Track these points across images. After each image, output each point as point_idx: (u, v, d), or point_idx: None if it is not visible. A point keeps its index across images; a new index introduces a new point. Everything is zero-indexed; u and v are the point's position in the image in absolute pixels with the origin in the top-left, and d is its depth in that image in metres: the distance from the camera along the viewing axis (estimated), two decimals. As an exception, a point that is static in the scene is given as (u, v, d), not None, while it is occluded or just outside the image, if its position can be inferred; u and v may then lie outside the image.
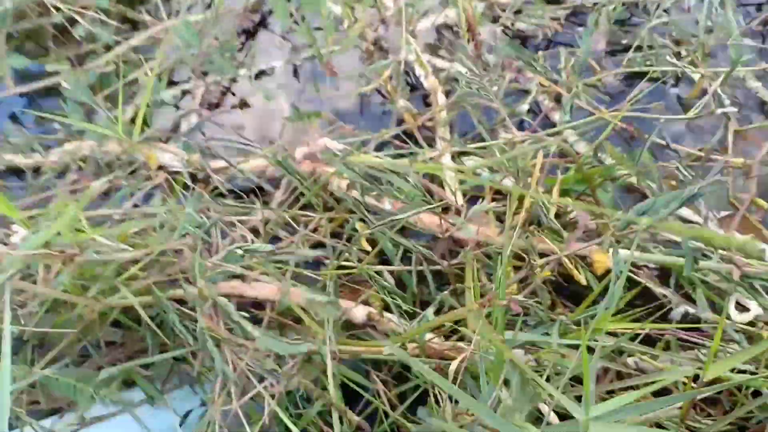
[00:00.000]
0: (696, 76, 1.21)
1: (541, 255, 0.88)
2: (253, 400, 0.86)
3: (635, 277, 0.94)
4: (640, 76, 1.26)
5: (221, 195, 1.13)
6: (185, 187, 1.11)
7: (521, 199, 0.88)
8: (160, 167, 1.13)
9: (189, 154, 1.14)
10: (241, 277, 0.98)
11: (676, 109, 1.17)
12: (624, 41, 1.33)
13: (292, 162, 1.03)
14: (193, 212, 0.94)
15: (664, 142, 1.07)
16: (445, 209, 1.00)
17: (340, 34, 1.40)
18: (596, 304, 0.77)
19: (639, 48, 1.27)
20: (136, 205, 1.06)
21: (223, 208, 1.03)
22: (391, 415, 0.89)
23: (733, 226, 0.89)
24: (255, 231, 1.06)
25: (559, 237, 0.88)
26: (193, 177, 1.14)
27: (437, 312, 0.88)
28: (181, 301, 0.96)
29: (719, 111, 1.01)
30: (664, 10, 1.32)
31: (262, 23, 1.54)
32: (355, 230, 0.94)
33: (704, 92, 1.19)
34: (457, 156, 1.11)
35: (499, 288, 0.68)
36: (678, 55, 1.24)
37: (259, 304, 1.00)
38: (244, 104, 1.41)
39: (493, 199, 1.00)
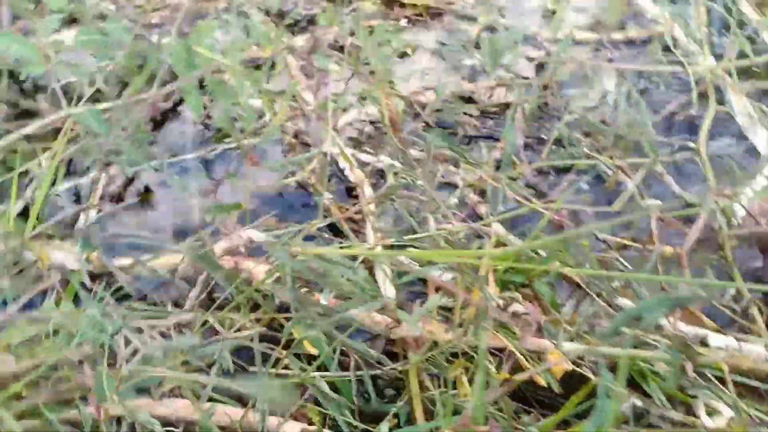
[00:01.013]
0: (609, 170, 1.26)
1: (492, 353, 0.82)
2: None
3: (581, 371, 0.89)
4: (554, 169, 1.30)
5: (126, 296, 0.99)
6: (83, 287, 0.97)
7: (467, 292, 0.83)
8: (54, 267, 0.99)
9: (88, 252, 1.01)
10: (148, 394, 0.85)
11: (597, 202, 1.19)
12: (539, 135, 1.38)
13: (211, 257, 0.93)
14: (96, 315, 0.81)
15: (594, 234, 1.08)
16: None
17: (259, 124, 1.35)
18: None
19: (557, 141, 1.31)
20: (23, 309, 0.90)
21: (130, 312, 0.90)
22: None
23: (676, 316, 0.88)
24: (166, 337, 0.93)
25: (510, 332, 0.83)
26: (93, 277, 1.00)
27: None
28: (75, 424, 0.81)
29: (647, 203, 1.03)
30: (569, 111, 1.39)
31: (173, 113, 1.47)
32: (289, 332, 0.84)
33: (618, 184, 1.25)
34: (388, 249, 1.05)
35: (477, 410, 0.60)
36: (596, 149, 1.28)
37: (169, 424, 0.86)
38: (149, 196, 1.30)
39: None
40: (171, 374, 0.75)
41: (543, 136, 1.38)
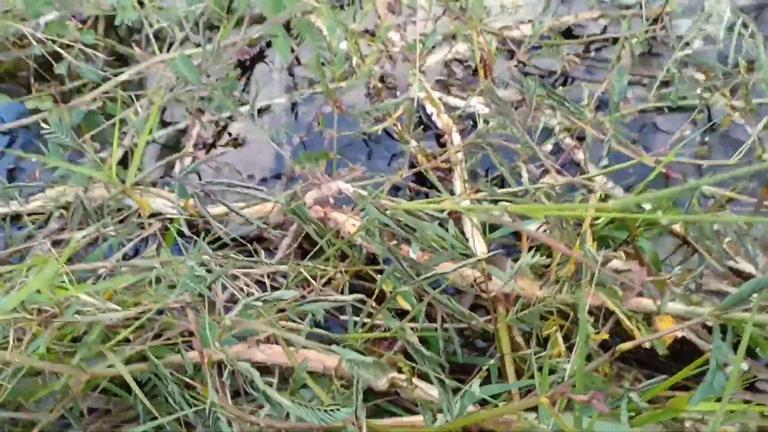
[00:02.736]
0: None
1: (590, 312, 0.79)
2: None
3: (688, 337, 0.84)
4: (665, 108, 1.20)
5: (223, 244, 1.02)
6: (180, 235, 1.00)
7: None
8: (153, 214, 1.02)
9: (184, 200, 1.04)
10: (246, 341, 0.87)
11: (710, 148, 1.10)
12: (648, 72, 1.27)
13: (301, 208, 0.93)
14: (195, 265, 0.83)
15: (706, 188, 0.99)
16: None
17: (346, 70, 1.32)
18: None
19: (664, 82, 1.20)
20: (126, 257, 0.94)
21: (226, 261, 0.92)
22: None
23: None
24: (259, 283, 0.95)
25: (609, 291, 0.79)
26: (190, 224, 1.03)
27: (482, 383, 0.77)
28: (179, 368, 0.85)
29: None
30: (686, 43, 1.26)
31: (260, 57, 1.46)
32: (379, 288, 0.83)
33: (733, 124, 1.13)
34: (478, 202, 1.02)
35: (578, 377, 0.57)
36: (709, 88, 1.17)
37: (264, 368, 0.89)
38: (241, 142, 1.32)
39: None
40: (268, 328, 0.76)
41: (651, 73, 1.27)
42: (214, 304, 0.84)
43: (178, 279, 0.78)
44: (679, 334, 0.73)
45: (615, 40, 1.37)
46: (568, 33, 1.41)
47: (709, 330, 0.88)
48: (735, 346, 0.81)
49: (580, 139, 1.18)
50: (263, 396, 0.73)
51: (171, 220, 1.04)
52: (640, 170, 0.96)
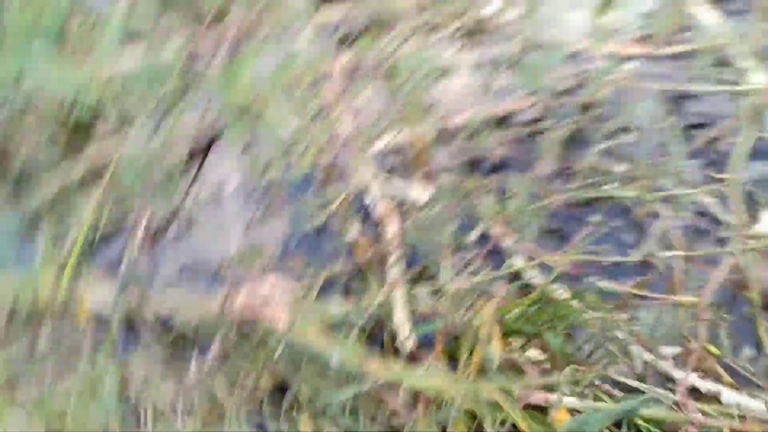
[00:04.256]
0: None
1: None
2: None
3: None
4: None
5: (156, 339, 1.06)
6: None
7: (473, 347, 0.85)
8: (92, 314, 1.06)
9: (125, 296, 1.08)
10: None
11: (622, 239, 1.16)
12: (571, 165, 1.35)
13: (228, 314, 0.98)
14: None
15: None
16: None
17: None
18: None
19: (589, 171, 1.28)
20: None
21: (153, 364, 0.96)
22: None
23: (690, 364, 0.86)
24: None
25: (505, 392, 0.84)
26: (131, 321, 1.07)
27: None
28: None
29: (666, 255, 0.99)
30: (606, 136, 1.35)
31: (213, 144, 1.52)
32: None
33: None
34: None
35: None
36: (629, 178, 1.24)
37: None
38: (189, 233, 1.35)
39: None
40: None
41: (576, 163, 1.35)
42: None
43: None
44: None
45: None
46: (503, 120, 1.49)
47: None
48: None
49: (509, 224, 1.24)
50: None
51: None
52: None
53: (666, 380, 0.93)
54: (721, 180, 1.18)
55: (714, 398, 0.87)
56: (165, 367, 0.94)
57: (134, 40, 1.58)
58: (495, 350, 0.84)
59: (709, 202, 1.18)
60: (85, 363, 0.97)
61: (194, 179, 1.43)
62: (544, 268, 1.07)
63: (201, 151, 1.49)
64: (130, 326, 1.06)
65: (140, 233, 1.27)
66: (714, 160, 1.25)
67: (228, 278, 1.04)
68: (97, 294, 1.08)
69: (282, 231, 1.22)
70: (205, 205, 1.37)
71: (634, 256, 0.99)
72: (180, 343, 1.05)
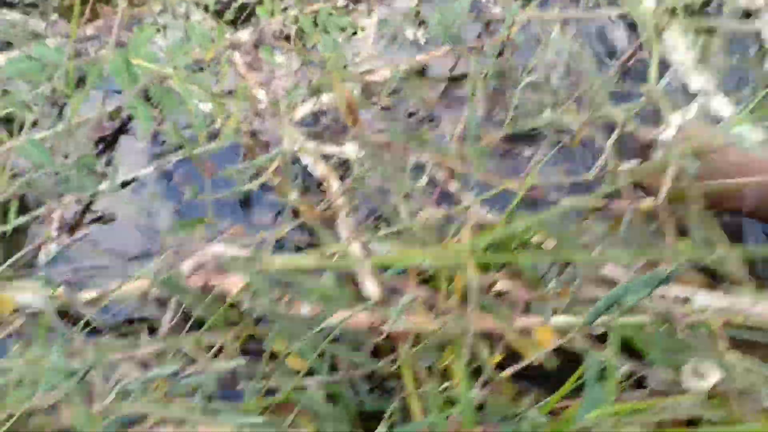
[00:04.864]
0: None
1: (483, 337, 0.80)
2: None
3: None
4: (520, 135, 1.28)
5: (97, 331, 0.95)
6: (52, 329, 0.92)
7: (449, 280, 0.81)
8: (16, 310, 0.94)
9: (51, 290, 0.96)
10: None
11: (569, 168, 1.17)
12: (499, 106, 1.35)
13: (178, 279, 0.89)
14: (60, 360, 0.76)
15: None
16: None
17: (213, 130, 1.30)
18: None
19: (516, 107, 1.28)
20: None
21: (103, 347, 0.86)
22: None
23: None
24: (145, 367, 0.89)
25: (498, 314, 0.81)
26: (63, 314, 0.95)
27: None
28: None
29: (623, 167, 1.00)
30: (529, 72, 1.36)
31: (122, 130, 1.40)
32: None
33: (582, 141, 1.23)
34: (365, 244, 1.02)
35: (464, 412, 0.57)
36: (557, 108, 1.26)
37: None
38: (108, 220, 1.24)
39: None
40: (151, 408, 0.71)
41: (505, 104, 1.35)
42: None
43: (42, 378, 0.72)
44: (556, 344, 0.76)
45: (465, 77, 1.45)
46: (421, 74, 1.47)
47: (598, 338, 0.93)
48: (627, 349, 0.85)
49: (452, 171, 1.22)
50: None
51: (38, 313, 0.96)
52: (508, 196, 1.00)
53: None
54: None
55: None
56: (113, 348, 0.83)
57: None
58: (473, 280, 0.80)
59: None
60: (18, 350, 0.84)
61: (107, 165, 1.31)
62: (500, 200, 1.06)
63: (112, 138, 1.37)
64: (64, 317, 0.94)
65: (55, 226, 1.14)
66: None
67: (168, 251, 0.94)
68: (21, 293, 0.95)
69: (215, 202, 1.13)
70: (122, 191, 1.25)
71: (590, 174, 0.98)
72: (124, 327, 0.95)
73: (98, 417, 0.69)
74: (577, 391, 0.75)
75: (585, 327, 0.77)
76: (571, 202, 0.83)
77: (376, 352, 0.89)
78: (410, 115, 1.38)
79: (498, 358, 0.76)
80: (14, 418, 0.75)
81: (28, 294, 0.98)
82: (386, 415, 0.78)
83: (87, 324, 0.93)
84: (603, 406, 0.61)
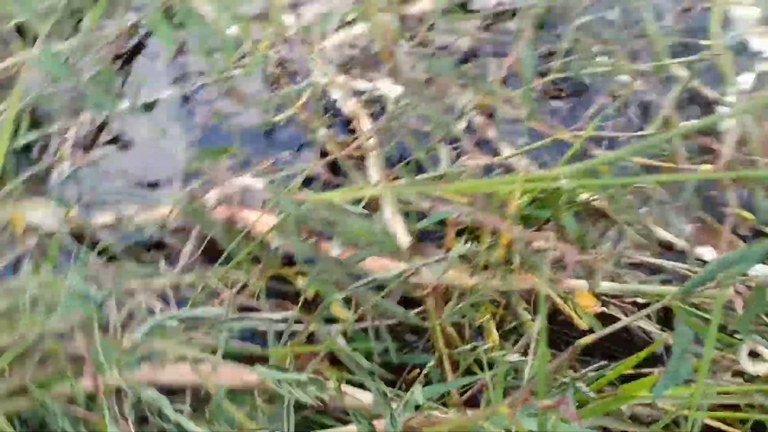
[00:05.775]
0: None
1: (522, 298, 0.75)
2: None
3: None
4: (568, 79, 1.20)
5: (113, 257, 0.90)
6: (65, 251, 0.88)
7: (493, 234, 0.75)
8: (29, 229, 0.89)
9: (65, 210, 0.91)
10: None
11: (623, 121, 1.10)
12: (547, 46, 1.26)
13: (203, 209, 0.84)
14: (79, 283, 0.72)
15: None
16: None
17: (239, 55, 1.22)
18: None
19: (567, 52, 1.20)
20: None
21: (119, 274, 0.81)
22: None
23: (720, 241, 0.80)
24: (162, 298, 0.85)
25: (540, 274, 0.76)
26: (77, 237, 0.90)
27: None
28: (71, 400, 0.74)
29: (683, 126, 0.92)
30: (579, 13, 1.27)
31: (140, 48, 1.32)
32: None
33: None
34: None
35: (539, 381, 0.52)
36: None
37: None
38: (125, 143, 1.18)
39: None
40: (176, 347, 0.67)
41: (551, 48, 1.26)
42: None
43: (58, 301, 0.67)
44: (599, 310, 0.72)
45: (514, 13, 1.36)
46: (464, 7, 1.37)
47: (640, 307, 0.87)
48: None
49: (491, 116, 1.15)
50: (175, 426, 0.64)
51: (52, 234, 0.91)
52: (558, 147, 0.93)
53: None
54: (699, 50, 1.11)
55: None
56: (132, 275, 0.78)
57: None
58: (518, 237, 0.74)
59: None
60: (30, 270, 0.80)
61: (123, 84, 1.23)
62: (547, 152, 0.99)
63: (129, 56, 1.29)
64: (77, 238, 0.89)
65: (69, 146, 1.08)
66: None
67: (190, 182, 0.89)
68: (32, 211, 0.90)
69: (242, 132, 1.06)
70: (139, 114, 1.18)
71: (647, 132, 0.91)
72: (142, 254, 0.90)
73: (118, 348, 0.65)
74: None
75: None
76: (625, 154, 0.76)
77: (405, 304, 0.85)
78: (451, 52, 1.30)
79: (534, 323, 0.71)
80: (24, 342, 0.71)
81: (40, 213, 0.93)
82: (422, 372, 0.73)
83: (103, 249, 0.89)
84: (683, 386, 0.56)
